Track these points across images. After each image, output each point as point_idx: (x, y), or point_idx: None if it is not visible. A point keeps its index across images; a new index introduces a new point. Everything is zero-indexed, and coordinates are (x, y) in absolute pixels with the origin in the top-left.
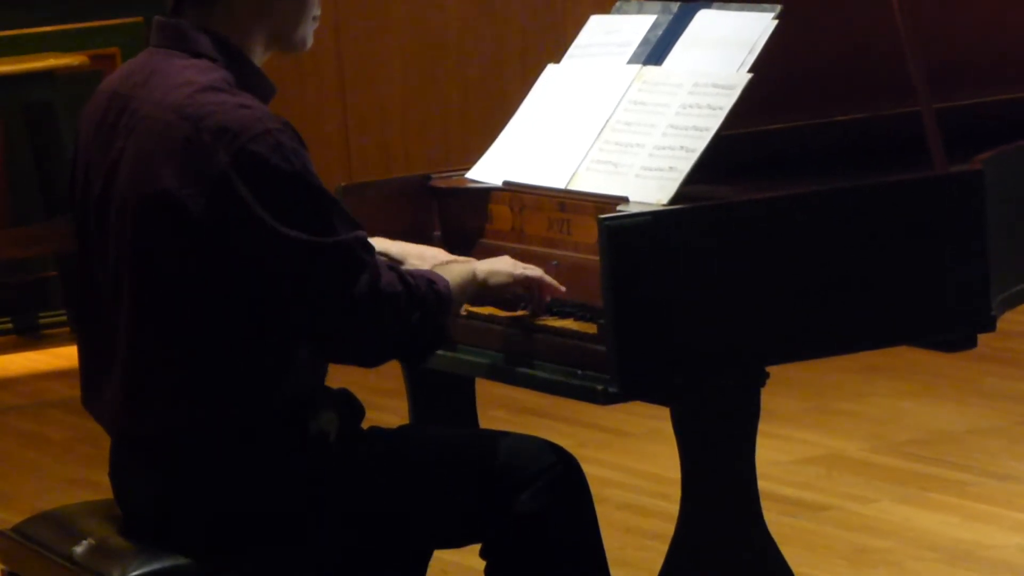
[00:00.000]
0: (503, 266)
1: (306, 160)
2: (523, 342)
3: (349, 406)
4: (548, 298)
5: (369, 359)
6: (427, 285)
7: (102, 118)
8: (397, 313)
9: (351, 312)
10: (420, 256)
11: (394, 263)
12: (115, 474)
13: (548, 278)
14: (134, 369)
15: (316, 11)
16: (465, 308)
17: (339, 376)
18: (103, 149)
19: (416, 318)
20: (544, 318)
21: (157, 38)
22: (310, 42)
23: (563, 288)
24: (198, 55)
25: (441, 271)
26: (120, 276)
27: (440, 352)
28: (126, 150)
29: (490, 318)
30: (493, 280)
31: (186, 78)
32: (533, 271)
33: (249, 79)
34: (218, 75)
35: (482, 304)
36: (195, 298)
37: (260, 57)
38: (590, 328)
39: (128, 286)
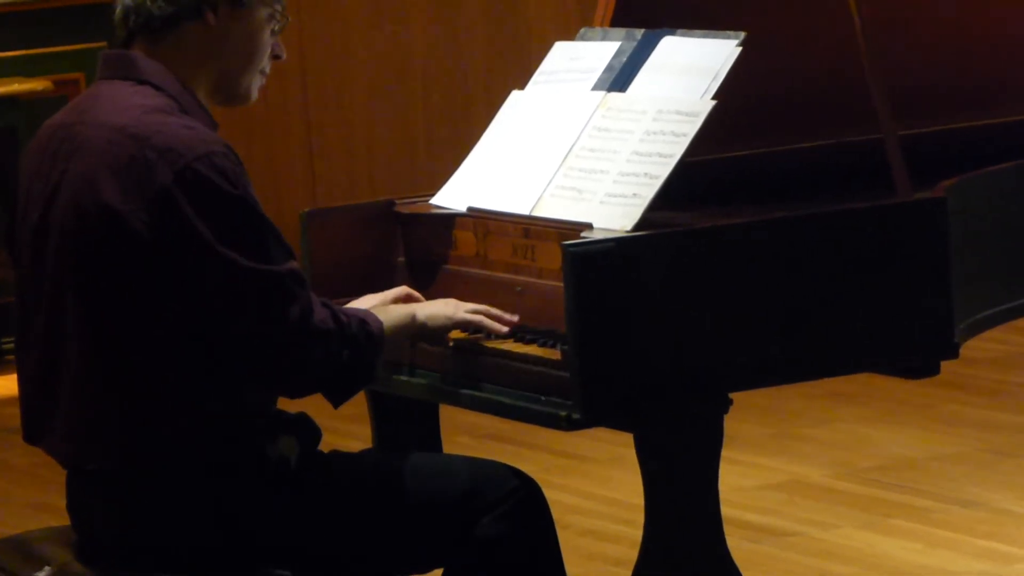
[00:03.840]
0: (444, 310)
1: (247, 184)
2: (487, 368)
3: (307, 430)
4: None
5: (292, 391)
6: (359, 325)
7: (44, 150)
8: (327, 349)
9: (280, 343)
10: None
11: (327, 301)
12: (72, 505)
13: (488, 320)
14: (81, 400)
15: (265, 65)
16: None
17: (299, 401)
18: (44, 176)
19: (345, 356)
20: (506, 342)
21: (103, 70)
22: (254, 96)
23: (504, 329)
24: (143, 82)
25: (379, 312)
26: (62, 304)
27: (403, 377)
28: (68, 172)
29: (452, 343)
30: (432, 323)
31: (131, 102)
32: (474, 315)
33: (192, 110)
34: (162, 100)
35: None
36: (139, 320)
37: (204, 101)
38: (553, 354)
39: (71, 313)
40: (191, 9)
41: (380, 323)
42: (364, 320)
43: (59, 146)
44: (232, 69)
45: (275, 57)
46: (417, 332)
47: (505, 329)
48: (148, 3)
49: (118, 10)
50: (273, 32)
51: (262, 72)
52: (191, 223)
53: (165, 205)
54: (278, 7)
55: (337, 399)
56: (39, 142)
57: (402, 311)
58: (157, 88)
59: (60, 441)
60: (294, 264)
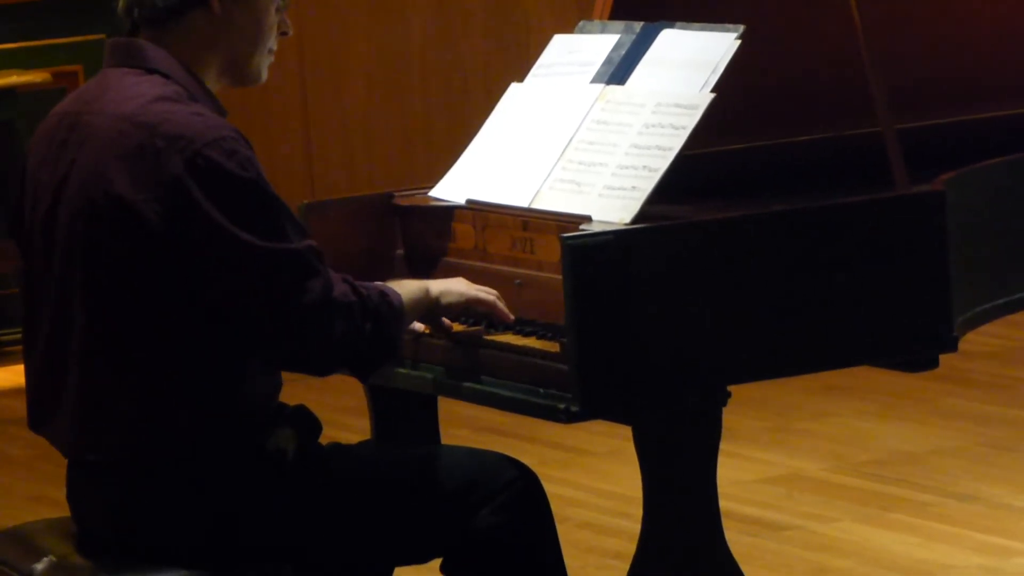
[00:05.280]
0: (457, 286)
1: (259, 167)
2: (486, 360)
3: (306, 423)
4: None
5: (319, 367)
6: (380, 297)
7: (51, 138)
8: (350, 322)
9: (303, 319)
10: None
11: (347, 276)
12: (72, 495)
13: (500, 305)
14: (87, 391)
15: (272, 44)
16: (424, 327)
17: (299, 394)
18: (52, 165)
19: (368, 328)
20: (505, 335)
21: (110, 59)
22: (264, 75)
23: (511, 317)
24: (151, 71)
25: (395, 286)
26: (70, 294)
27: (402, 370)
28: (76, 162)
29: (452, 335)
30: (446, 299)
31: (138, 91)
32: (486, 295)
33: (200, 97)
34: (170, 89)
35: (433, 323)
36: (147, 311)
37: (213, 85)
38: (552, 347)
39: (80, 305)
40: None
41: (399, 295)
42: (384, 292)
43: (66, 135)
44: (240, 53)
45: (282, 34)
46: (432, 306)
47: (512, 317)
48: None
49: (121, 2)
50: (278, 9)
51: (270, 51)
52: (204, 209)
53: (177, 193)
54: None
55: (364, 373)
56: (45, 130)
57: (416, 285)
58: (165, 76)
59: (63, 431)
60: (311, 241)
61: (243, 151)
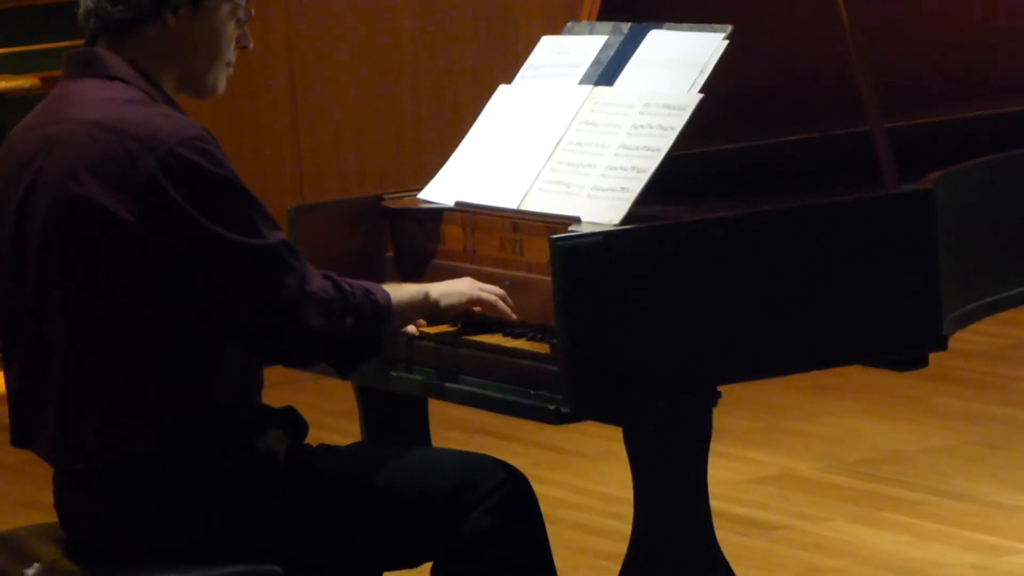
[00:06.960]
0: (459, 287)
1: (230, 164)
2: (476, 362)
3: (294, 424)
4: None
5: (297, 360)
6: (364, 294)
7: (16, 154)
8: (328, 316)
9: (279, 312)
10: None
11: (329, 272)
12: (60, 503)
13: (502, 304)
14: (69, 400)
15: (230, 57)
16: (418, 329)
17: (288, 396)
18: (16, 180)
19: (349, 324)
20: (495, 336)
21: (68, 70)
22: (222, 87)
23: (515, 317)
24: (112, 78)
25: (391, 288)
26: (47, 302)
27: (393, 373)
28: (44, 170)
29: (439, 338)
30: (446, 301)
31: (104, 96)
32: (488, 295)
33: (163, 101)
34: (134, 93)
35: (439, 324)
36: (127, 312)
37: (172, 94)
38: (542, 348)
39: (58, 310)
40: (150, 12)
41: (387, 295)
42: (369, 290)
43: (29, 148)
44: (196, 66)
45: (242, 47)
46: (431, 309)
47: (515, 316)
48: (108, 6)
49: (80, 11)
50: (239, 22)
51: (228, 64)
52: (180, 207)
53: (152, 193)
54: (240, 1)
55: (344, 369)
56: (7, 148)
57: (415, 288)
58: (126, 83)
59: (47, 441)
60: (283, 236)
61: (213, 148)
